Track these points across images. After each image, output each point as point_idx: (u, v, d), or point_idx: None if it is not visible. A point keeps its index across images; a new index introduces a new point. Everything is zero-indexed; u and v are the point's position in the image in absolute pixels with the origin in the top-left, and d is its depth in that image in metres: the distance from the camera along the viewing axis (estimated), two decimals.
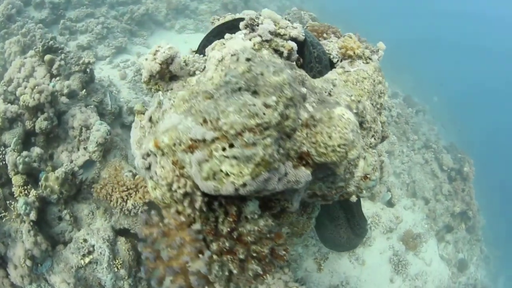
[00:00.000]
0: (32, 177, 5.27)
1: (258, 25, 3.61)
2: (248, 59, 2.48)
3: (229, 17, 6.12)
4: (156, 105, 2.88)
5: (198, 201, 1.99)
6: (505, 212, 14.36)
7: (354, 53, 3.57)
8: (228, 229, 2.23)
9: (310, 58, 3.92)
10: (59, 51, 6.64)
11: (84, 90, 7.16)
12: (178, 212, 2.17)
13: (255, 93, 1.89)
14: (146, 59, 4.28)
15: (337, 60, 3.98)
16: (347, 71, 3.58)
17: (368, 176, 3.18)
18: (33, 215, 4.45)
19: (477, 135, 18.21)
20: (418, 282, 8.66)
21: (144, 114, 3.67)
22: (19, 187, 4.74)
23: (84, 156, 5.93)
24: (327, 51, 4.13)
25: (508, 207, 15.10)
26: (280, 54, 3.66)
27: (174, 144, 1.95)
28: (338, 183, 3.03)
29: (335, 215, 5.63)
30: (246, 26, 3.70)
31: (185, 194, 1.96)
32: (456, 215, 9.93)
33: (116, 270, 5.09)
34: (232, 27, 4.66)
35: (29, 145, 5.83)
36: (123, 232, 5.87)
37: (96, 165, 6.13)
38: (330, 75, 3.60)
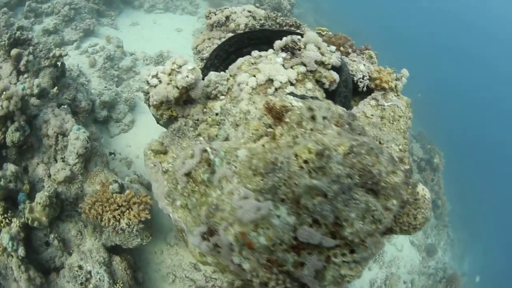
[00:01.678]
0: (10, 199, 4.64)
1: (299, 49, 3.31)
2: (324, 118, 2.26)
3: (226, 11, 5.57)
4: (200, 159, 2.51)
5: None
6: (469, 197, 15.65)
7: (388, 86, 3.44)
8: None
9: (340, 82, 3.72)
10: (27, 43, 5.71)
11: (56, 87, 6.34)
12: None
13: (371, 191, 1.77)
14: (157, 78, 3.74)
15: (363, 86, 3.82)
16: (381, 105, 3.45)
17: None
18: (21, 251, 3.94)
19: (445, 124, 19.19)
20: (392, 269, 9.29)
21: (164, 153, 3.27)
22: None
23: (65, 170, 5.30)
24: (350, 72, 3.94)
25: (472, 193, 16.44)
26: (321, 85, 3.42)
27: (274, 245, 1.75)
28: None
29: None
30: (286, 49, 3.37)
31: None
32: None
33: None
34: (254, 37, 4.18)
35: (1, 160, 5.08)
36: (115, 249, 5.48)
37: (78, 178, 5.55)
38: (365, 108, 3.45)
